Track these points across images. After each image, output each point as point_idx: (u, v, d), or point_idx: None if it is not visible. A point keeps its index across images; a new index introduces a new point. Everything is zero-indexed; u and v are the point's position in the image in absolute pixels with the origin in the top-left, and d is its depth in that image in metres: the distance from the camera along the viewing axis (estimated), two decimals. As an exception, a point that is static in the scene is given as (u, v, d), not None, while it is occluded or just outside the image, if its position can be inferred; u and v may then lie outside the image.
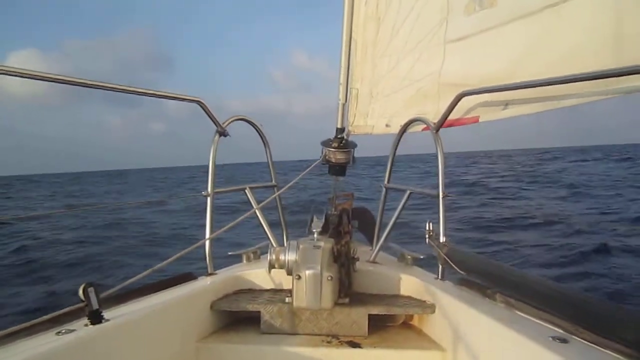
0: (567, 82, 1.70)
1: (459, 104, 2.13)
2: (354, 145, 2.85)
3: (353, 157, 2.83)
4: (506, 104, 2.24)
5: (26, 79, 1.39)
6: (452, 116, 2.38)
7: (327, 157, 2.77)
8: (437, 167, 2.06)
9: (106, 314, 1.35)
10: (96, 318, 1.31)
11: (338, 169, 2.83)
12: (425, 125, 2.51)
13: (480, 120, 2.39)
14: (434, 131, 2.17)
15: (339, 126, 2.83)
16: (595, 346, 1.12)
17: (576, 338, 1.18)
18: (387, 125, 2.91)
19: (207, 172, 2.19)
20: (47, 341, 1.17)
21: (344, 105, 2.86)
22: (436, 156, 2.09)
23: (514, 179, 21.08)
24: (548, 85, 1.76)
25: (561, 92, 1.94)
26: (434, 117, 2.55)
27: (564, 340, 1.16)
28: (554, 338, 1.18)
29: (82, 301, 1.30)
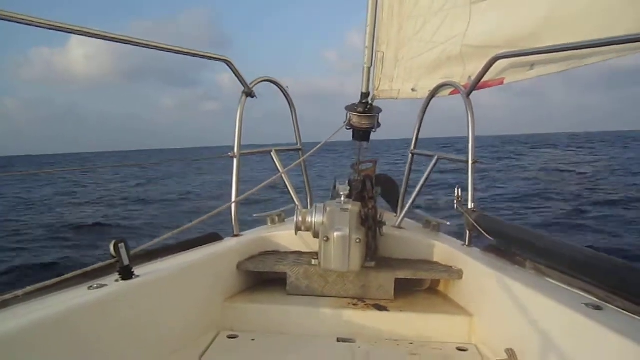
0: (607, 45, 1.69)
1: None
2: (379, 111, 2.78)
3: (378, 122, 2.77)
4: (532, 64, 2.20)
5: (30, 26, 1.29)
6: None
7: (351, 122, 2.71)
8: (468, 132, 2.00)
9: (136, 270, 1.35)
10: (127, 274, 1.31)
11: (362, 134, 2.77)
12: (452, 89, 2.44)
13: (505, 82, 2.36)
14: (465, 96, 2.10)
15: (364, 91, 2.75)
16: (631, 314, 1.09)
17: (610, 305, 1.14)
18: (413, 90, 2.83)
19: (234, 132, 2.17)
20: (79, 295, 1.18)
21: (369, 69, 2.77)
22: (467, 121, 2.03)
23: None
24: (585, 48, 1.73)
25: (588, 52, 1.93)
26: (460, 80, 2.48)
27: (597, 307, 1.13)
28: (587, 305, 1.14)
29: (113, 257, 1.30)
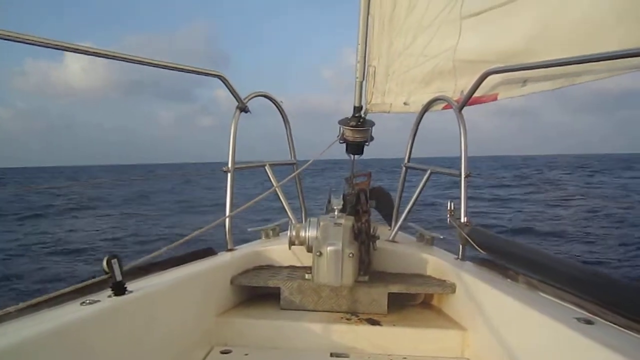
0: (598, 60, 1.69)
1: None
2: (372, 124, 2.81)
3: (371, 135, 2.79)
4: (525, 80, 2.20)
5: (24, 43, 1.29)
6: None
7: (344, 136, 2.74)
8: (460, 146, 2.02)
9: (129, 285, 1.34)
10: (119, 289, 1.31)
11: (355, 148, 2.80)
12: (445, 104, 2.46)
13: (499, 97, 2.36)
14: (457, 110, 2.13)
15: (356, 104, 2.78)
16: (622, 328, 1.09)
17: (601, 320, 1.15)
18: (405, 104, 2.86)
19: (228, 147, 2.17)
20: (72, 311, 1.17)
21: (361, 83, 2.81)
22: (459, 136, 2.05)
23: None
24: (577, 63, 1.75)
25: (581, 69, 1.92)
26: (452, 95, 2.51)
27: (589, 322, 1.13)
28: (578, 319, 1.14)
29: (106, 273, 1.30)
